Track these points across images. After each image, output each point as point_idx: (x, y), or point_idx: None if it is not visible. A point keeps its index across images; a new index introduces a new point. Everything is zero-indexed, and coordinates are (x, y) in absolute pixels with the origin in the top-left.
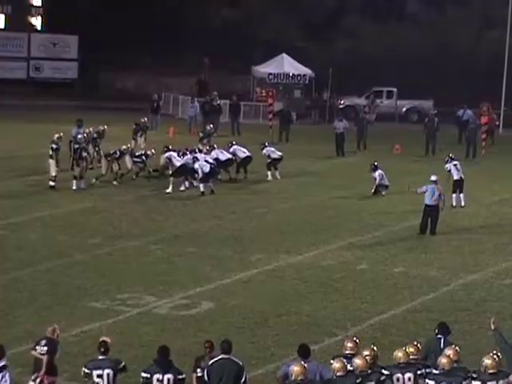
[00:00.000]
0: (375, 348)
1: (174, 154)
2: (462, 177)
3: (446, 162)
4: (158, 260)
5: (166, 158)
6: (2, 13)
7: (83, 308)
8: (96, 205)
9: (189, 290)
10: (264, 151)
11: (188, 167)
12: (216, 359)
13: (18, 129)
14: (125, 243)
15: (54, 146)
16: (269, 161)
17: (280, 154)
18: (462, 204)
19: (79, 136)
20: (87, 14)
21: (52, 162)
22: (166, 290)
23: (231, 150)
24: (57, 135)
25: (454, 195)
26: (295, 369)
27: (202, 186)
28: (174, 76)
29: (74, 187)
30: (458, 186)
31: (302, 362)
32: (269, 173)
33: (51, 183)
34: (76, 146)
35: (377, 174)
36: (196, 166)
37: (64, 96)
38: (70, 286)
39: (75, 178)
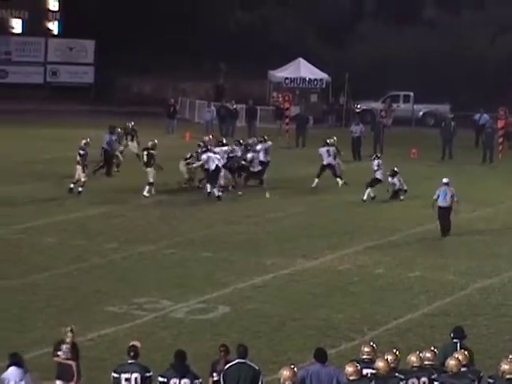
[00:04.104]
0: (397, 352)
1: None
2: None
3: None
4: (174, 264)
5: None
6: (19, 18)
7: (100, 312)
8: (112, 209)
9: (205, 295)
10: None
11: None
12: (232, 363)
13: (34, 133)
14: (141, 248)
15: (82, 152)
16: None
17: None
18: None
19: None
20: (104, 18)
21: (80, 167)
22: (182, 294)
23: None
24: (84, 141)
25: None
26: (284, 373)
27: (208, 186)
28: (191, 80)
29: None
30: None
31: (321, 366)
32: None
33: (71, 186)
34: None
35: (396, 179)
36: (204, 156)
37: (80, 100)
38: (86, 290)
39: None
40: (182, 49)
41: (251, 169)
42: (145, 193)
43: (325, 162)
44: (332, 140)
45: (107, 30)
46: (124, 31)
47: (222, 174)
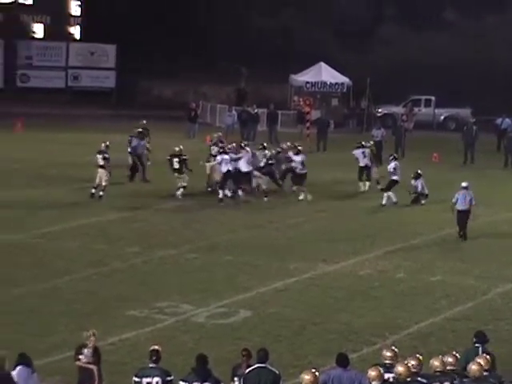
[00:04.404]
0: (420, 357)
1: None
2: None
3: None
4: (196, 268)
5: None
6: (41, 22)
7: (121, 316)
8: (134, 214)
9: (226, 299)
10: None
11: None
12: (252, 368)
13: (55, 137)
14: (162, 252)
15: (107, 156)
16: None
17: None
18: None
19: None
20: (125, 23)
21: (103, 171)
22: (203, 298)
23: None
24: (104, 144)
25: None
26: (305, 377)
27: (220, 192)
28: (212, 84)
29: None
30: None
31: (342, 370)
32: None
33: (93, 191)
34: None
35: (418, 182)
36: (218, 157)
37: (102, 105)
38: (107, 294)
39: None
40: (203, 53)
41: (299, 171)
42: (178, 193)
43: (362, 164)
44: (369, 143)
45: (128, 35)
46: (145, 35)
47: (253, 176)
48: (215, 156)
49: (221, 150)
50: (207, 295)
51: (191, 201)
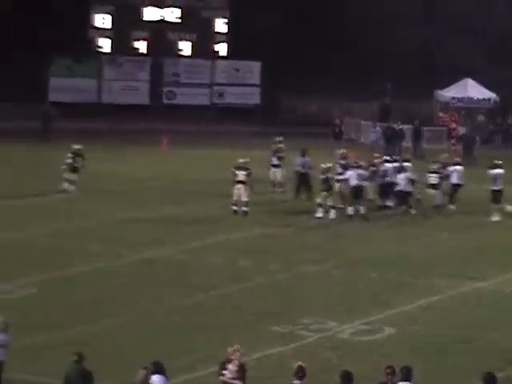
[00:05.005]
0: None
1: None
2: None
3: None
4: (339, 285)
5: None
6: (188, 40)
7: (265, 332)
8: (276, 230)
9: (370, 315)
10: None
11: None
12: None
13: (200, 154)
14: (306, 268)
15: (250, 171)
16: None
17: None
18: None
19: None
20: (270, 40)
21: (242, 186)
22: (347, 314)
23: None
24: (243, 160)
25: None
26: None
27: (349, 208)
28: (357, 101)
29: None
30: None
31: None
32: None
33: (235, 207)
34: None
35: None
36: (350, 172)
37: (247, 122)
38: (251, 309)
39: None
40: (347, 69)
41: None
42: (332, 215)
43: (497, 188)
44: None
45: (273, 52)
46: (290, 52)
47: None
48: (341, 173)
49: (354, 165)
50: (351, 312)
51: (337, 217)
